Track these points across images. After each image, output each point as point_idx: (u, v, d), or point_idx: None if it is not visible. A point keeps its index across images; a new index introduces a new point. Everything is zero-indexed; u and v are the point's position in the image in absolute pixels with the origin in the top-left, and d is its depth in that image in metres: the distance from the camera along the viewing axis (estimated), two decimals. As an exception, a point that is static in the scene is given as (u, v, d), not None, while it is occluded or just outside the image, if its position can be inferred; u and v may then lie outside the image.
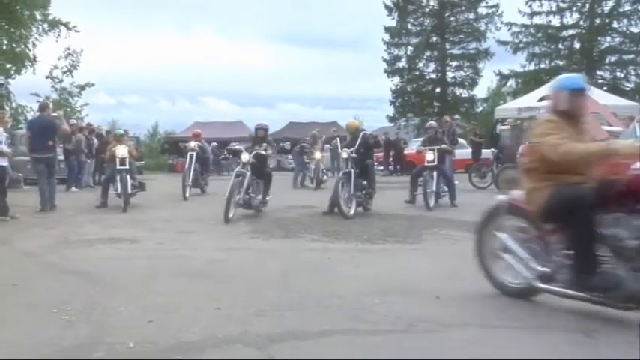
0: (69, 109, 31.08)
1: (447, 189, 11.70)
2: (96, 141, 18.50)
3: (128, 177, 11.70)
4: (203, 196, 14.63)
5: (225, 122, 38.44)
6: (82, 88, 31.37)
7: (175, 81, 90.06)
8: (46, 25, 24.35)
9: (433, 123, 13.07)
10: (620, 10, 33.25)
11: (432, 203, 10.89)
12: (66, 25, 24.70)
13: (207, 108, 78.07)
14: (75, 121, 19.69)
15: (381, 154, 23.53)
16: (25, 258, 6.69)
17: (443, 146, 11.72)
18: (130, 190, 11.59)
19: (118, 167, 11.82)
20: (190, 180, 14.02)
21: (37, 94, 30.56)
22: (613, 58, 34.33)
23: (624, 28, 33.40)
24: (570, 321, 4.10)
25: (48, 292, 4.99)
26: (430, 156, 11.45)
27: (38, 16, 24.05)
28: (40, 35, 24.69)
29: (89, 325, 4.02)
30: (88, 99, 32.44)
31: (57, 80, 30.64)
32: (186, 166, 14.36)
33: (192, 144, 14.70)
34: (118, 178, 11.68)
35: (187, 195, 13.65)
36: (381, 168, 23.37)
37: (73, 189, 16.22)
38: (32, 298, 4.75)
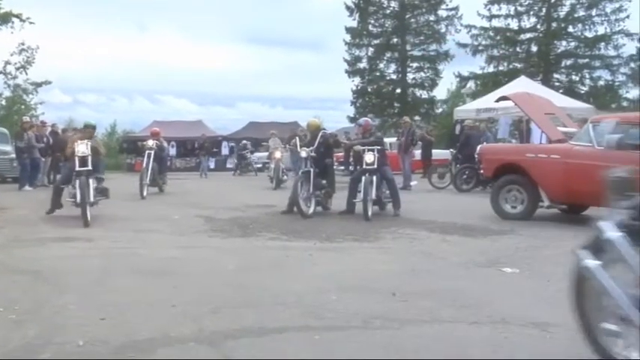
0: (23, 107, 30.39)
1: (389, 194, 10.36)
2: (51, 138, 18.04)
3: (90, 181, 9.31)
4: (161, 195, 14.42)
5: (185, 121, 38.18)
6: (38, 85, 30.64)
7: (133, 80, 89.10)
8: (-4, 19, 23.70)
9: (367, 119, 12.07)
10: (575, 15, 34.05)
11: (370, 212, 9.51)
12: (18, 16, 24.04)
13: (166, 107, 77.41)
14: (28, 119, 19.21)
15: (341, 154, 23.60)
16: (-27, 257, 6.46)
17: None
18: (91, 198, 9.23)
19: (77, 168, 9.36)
20: (148, 179, 13.83)
21: (-11, 89, 29.83)
22: (569, 62, 35.14)
23: (579, 33, 34.22)
24: (527, 315, 4.14)
25: (-5, 291, 4.83)
26: (369, 157, 9.93)
27: (-12, 10, 23.40)
28: (-10, 29, 24.04)
29: (37, 325, 3.89)
30: (42, 97, 31.73)
31: (10, 77, 29.86)
32: (144, 164, 14.17)
33: (150, 142, 14.51)
34: (77, 182, 9.24)
35: (145, 194, 13.46)
36: (342, 168, 23.39)
37: (26, 187, 15.81)
38: (-23, 298, 4.58)
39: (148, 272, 5.63)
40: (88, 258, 6.40)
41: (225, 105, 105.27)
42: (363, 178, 9.81)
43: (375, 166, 9.93)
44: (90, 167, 9.43)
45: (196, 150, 30.15)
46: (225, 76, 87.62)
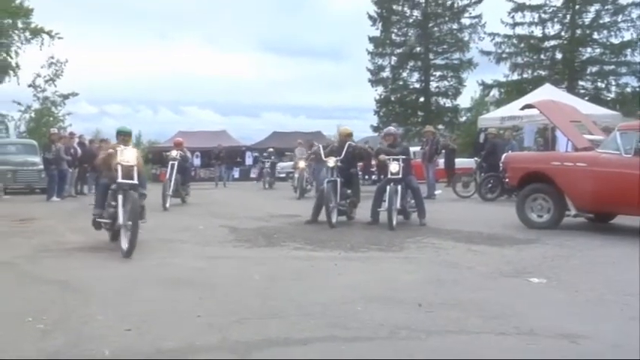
0: (51, 119, 30.96)
1: (414, 204, 10.32)
2: (79, 149, 18.31)
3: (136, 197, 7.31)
4: (184, 206, 14.45)
5: (209, 131, 38.53)
6: (66, 97, 31.24)
7: (158, 90, 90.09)
8: (27, 34, 24.14)
9: (392, 128, 12.02)
10: (601, 21, 33.56)
11: (395, 221, 9.45)
12: (48, 33, 24.53)
13: (190, 117, 78.41)
14: (55, 130, 19.52)
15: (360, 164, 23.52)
16: (2, 268, 6.54)
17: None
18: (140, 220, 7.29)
19: (120, 180, 7.33)
20: (171, 190, 13.85)
21: (19, 102, 30.52)
22: (594, 69, 34.59)
23: (604, 40, 33.70)
24: (555, 326, 4.08)
25: (23, 301, 4.89)
26: (395, 167, 9.92)
27: (20, 25, 23.83)
28: (22, 44, 24.50)
29: (64, 334, 3.94)
30: (69, 108, 32.31)
31: (39, 89, 30.51)
32: (167, 175, 14.21)
33: (174, 153, 14.53)
34: (120, 198, 7.26)
35: (168, 205, 13.42)
36: (366, 177, 23.37)
37: (54, 198, 16.03)
38: (6, 308, 4.66)
39: (173, 282, 5.66)
40: (114, 268, 6.46)
41: (249, 115, 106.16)
42: (388, 187, 9.78)
43: (400, 175, 9.90)
44: (136, 181, 7.50)
45: (212, 160, 29.89)
46: (248, 86, 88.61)
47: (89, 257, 7.16)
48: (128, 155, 7.54)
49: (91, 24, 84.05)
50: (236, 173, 33.50)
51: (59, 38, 25.59)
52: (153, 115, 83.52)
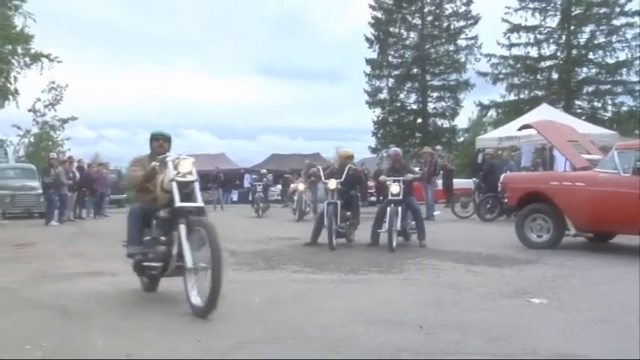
0: (50, 143, 31.04)
1: (414, 225, 10.31)
2: (77, 174, 18.34)
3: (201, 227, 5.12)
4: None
5: (208, 154, 38.59)
6: (65, 121, 31.36)
7: (156, 114, 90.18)
8: (27, 59, 24.26)
9: (396, 149, 11.88)
10: (596, 42, 33.88)
11: (394, 243, 9.44)
12: (47, 56, 24.65)
13: (188, 141, 78.46)
14: (55, 155, 19.57)
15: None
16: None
17: (409, 176, 10.37)
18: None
19: (179, 204, 5.24)
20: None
21: (19, 127, 30.63)
22: (590, 89, 34.84)
23: (600, 59, 34.01)
24: (557, 347, 4.06)
25: (22, 327, 4.86)
26: (395, 188, 9.85)
27: (20, 50, 23.97)
28: (21, 69, 24.60)
29: (65, 361, 3.91)
30: (68, 133, 32.42)
31: (39, 114, 30.66)
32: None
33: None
34: (183, 229, 5.15)
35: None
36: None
37: (53, 222, 16.01)
38: (3, 335, 4.61)
39: (172, 306, 5.62)
40: (113, 293, 6.44)
41: (247, 137, 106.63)
42: (388, 208, 9.75)
43: (401, 196, 9.88)
44: (201, 202, 5.46)
45: (209, 183, 29.48)
46: (246, 110, 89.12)
47: (89, 282, 7.12)
48: (186, 167, 5.44)
49: (89, 49, 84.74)
50: (234, 196, 33.48)
51: (58, 62, 25.68)
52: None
